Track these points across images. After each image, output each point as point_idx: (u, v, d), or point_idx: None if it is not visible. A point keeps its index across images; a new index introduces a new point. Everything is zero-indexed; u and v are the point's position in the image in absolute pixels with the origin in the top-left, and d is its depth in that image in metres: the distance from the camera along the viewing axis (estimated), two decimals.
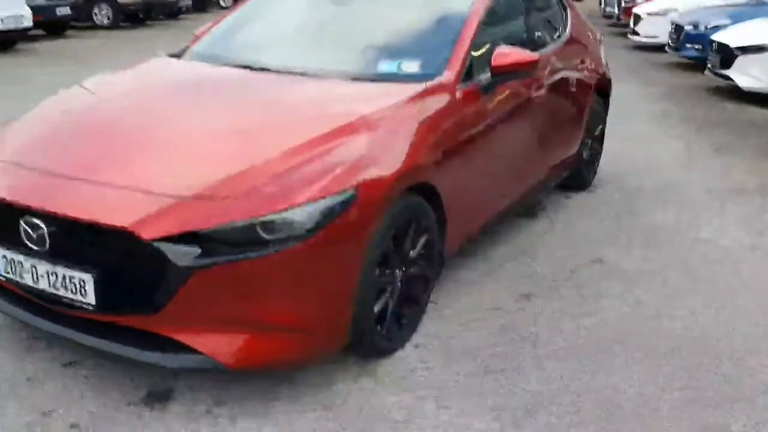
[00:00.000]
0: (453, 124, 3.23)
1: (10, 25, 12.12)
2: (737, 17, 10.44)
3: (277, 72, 3.44)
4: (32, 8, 13.07)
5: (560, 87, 4.41)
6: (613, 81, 5.56)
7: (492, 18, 3.83)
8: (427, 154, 3.01)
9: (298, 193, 2.48)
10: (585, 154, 5.17)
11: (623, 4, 16.67)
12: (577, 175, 5.14)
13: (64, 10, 14.51)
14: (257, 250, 2.41)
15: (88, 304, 2.50)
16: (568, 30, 4.77)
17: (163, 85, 3.50)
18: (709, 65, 9.62)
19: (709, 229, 4.61)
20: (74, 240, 2.49)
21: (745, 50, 8.86)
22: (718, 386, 2.87)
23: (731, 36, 9.27)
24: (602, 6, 21.17)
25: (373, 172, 2.69)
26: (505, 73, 3.50)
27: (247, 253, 2.40)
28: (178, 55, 3.86)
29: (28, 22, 12.53)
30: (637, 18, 14.17)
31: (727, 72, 9.07)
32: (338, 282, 2.61)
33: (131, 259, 2.42)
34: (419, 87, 3.18)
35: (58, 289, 2.54)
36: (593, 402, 2.74)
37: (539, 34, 4.28)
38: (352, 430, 2.56)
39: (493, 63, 3.45)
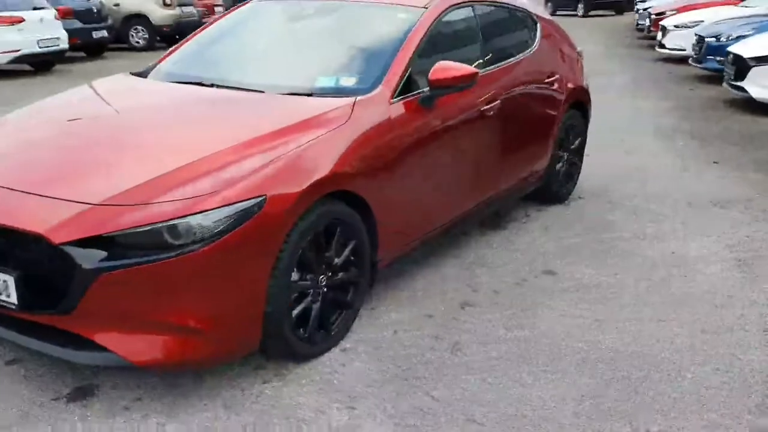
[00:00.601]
0: (383, 136, 3.34)
1: (47, 48, 12.66)
2: (763, 29, 10.25)
3: (223, 87, 3.60)
4: (70, 31, 13.64)
5: (520, 101, 4.47)
6: (629, 93, 5.56)
7: (439, 35, 3.94)
8: (351, 163, 3.13)
9: (203, 199, 2.62)
10: (558, 168, 5.20)
11: (653, 17, 16.51)
12: (549, 189, 5.17)
13: (100, 33, 15.07)
14: (162, 254, 2.55)
15: (12, 303, 2.68)
16: (535, 44, 4.83)
17: (112, 100, 3.70)
18: (725, 77, 9.51)
19: (679, 241, 4.60)
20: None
21: (760, 61, 8.74)
22: (632, 397, 2.89)
23: (746, 47, 9.16)
24: (636, 19, 21.01)
25: (284, 180, 2.82)
26: (443, 87, 3.59)
27: (151, 256, 2.55)
28: (142, 74, 4.06)
29: (64, 44, 13.08)
30: (665, 30, 14.05)
31: (741, 83, 8.95)
32: (245, 286, 2.74)
33: (45, 261, 2.60)
34: (349, 101, 3.30)
35: None
36: (499, 413, 2.78)
37: (497, 48, 4.36)
38: (253, 429, 2.67)
39: (431, 77, 3.55)
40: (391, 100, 3.45)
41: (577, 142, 5.43)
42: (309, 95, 3.43)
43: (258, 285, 2.76)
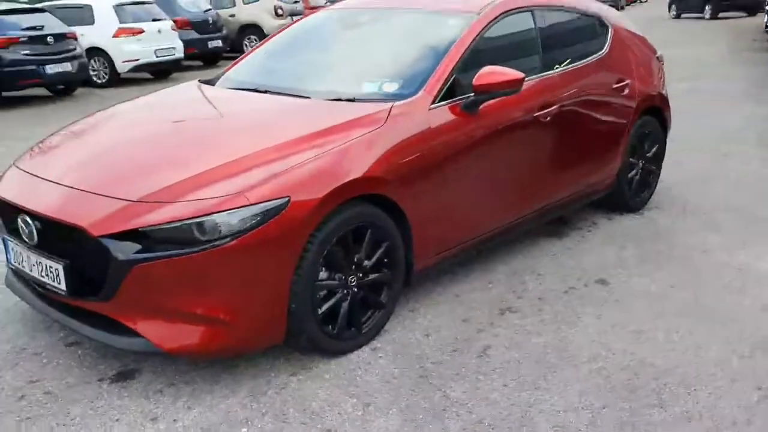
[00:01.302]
0: (420, 142, 3.40)
1: (163, 57, 13.48)
2: None
3: (274, 93, 3.78)
4: (187, 41, 14.48)
5: (582, 107, 4.40)
6: (744, 99, 5.35)
7: (492, 41, 3.96)
8: (384, 167, 3.22)
9: (230, 198, 2.79)
10: (631, 176, 5.07)
11: None
12: (620, 197, 5.05)
13: (215, 43, 15.88)
14: (190, 248, 2.74)
15: (62, 289, 2.95)
16: (604, 50, 4.74)
17: (172, 107, 3.96)
18: None
19: (749, 257, 4.38)
20: (51, 235, 2.97)
21: None
22: (652, 412, 2.83)
23: None
24: (765, 20, 19.88)
25: (309, 183, 2.95)
26: (487, 92, 3.62)
27: (180, 250, 2.74)
28: (211, 81, 4.31)
29: (179, 53, 13.88)
30: None
31: None
32: (268, 282, 2.88)
33: (87, 252, 2.84)
34: (386, 106, 3.39)
35: (43, 277, 3.02)
36: (510, 416, 2.80)
37: (557, 54, 4.31)
38: (270, 416, 2.81)
39: (474, 82, 3.59)
40: (431, 106, 3.50)
41: (653, 150, 5.26)
42: (352, 101, 3.54)
43: (281, 282, 2.90)
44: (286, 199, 2.86)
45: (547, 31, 4.31)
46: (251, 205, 2.80)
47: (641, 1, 48.44)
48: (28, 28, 11.17)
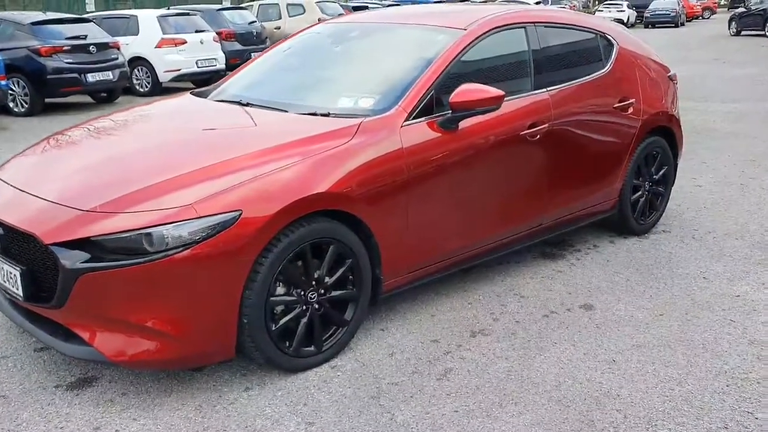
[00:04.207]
0: (390, 158, 3.35)
1: (205, 67, 13.73)
2: None
3: (256, 106, 3.79)
4: (230, 52, 14.73)
5: (577, 125, 4.29)
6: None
7: (479, 57, 3.90)
8: (348, 184, 3.18)
9: (179, 211, 2.79)
10: (636, 198, 4.92)
11: None
12: (623, 220, 4.90)
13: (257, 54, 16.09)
14: (137, 260, 2.75)
15: (19, 295, 2.99)
16: (607, 67, 4.62)
17: (153, 119, 3.99)
18: None
19: (750, 286, 4.19)
20: (12, 242, 3.02)
21: None
22: None
23: None
24: None
25: (262, 197, 2.93)
26: (464, 109, 3.55)
27: (127, 261, 2.75)
28: (203, 93, 4.35)
29: (220, 64, 14.12)
30: None
31: None
32: (218, 295, 2.87)
33: (40, 259, 2.88)
34: (355, 122, 3.36)
35: (5, 282, 3.07)
36: None
37: (550, 72, 4.21)
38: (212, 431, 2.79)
39: (451, 99, 3.53)
40: (405, 123, 3.46)
41: (661, 171, 5.09)
42: (326, 115, 3.51)
43: (231, 296, 2.89)
44: (237, 213, 2.85)
45: (541, 48, 4.21)
46: (200, 218, 2.79)
47: (703, 17, 47.38)
48: (71, 38, 11.52)
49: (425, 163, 3.49)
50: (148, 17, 13.74)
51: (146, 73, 13.58)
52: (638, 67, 4.86)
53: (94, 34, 11.97)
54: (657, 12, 38.36)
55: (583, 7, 61.87)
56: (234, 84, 4.34)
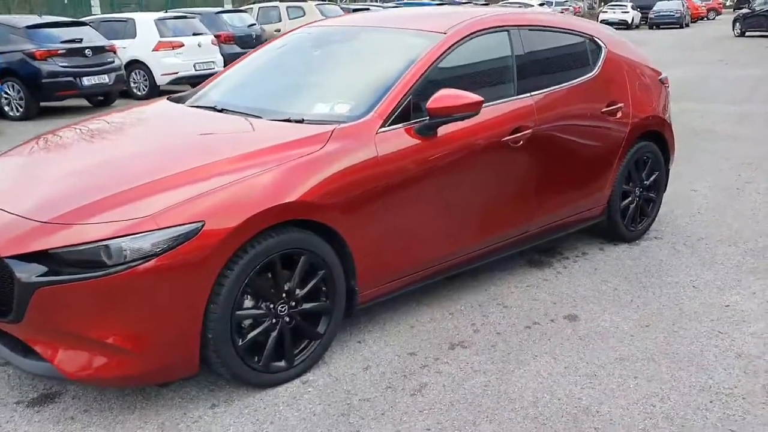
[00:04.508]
0: (364, 166, 3.26)
1: (202, 70, 13.65)
2: None
3: (231, 112, 3.70)
4: (229, 55, 14.61)
5: (562, 131, 4.18)
6: None
7: (459, 61, 3.81)
8: (319, 193, 3.08)
9: (139, 222, 2.70)
10: (625, 204, 4.81)
11: None
12: (612, 227, 4.79)
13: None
14: (94, 273, 2.65)
15: None
16: (594, 71, 4.51)
17: (122, 125, 3.90)
18: None
19: (742, 296, 4.08)
20: None
21: None
22: None
23: None
24: None
25: (227, 207, 2.83)
26: (442, 115, 3.45)
27: (84, 274, 2.66)
28: (181, 99, 4.25)
29: (219, 67, 14.02)
30: None
31: None
32: (178, 310, 2.77)
33: None
34: (328, 128, 3.27)
35: None
36: None
37: (534, 76, 4.10)
38: None
39: (428, 105, 3.43)
40: (381, 129, 3.36)
41: (652, 177, 4.98)
42: (300, 122, 3.42)
43: (193, 310, 2.79)
44: (200, 224, 2.75)
45: (525, 52, 4.11)
46: (160, 229, 2.70)
47: (708, 18, 47.14)
48: (67, 41, 11.46)
49: (402, 170, 3.40)
50: (145, 20, 13.69)
51: (143, 76, 13.52)
52: (627, 71, 4.75)
53: (90, 37, 11.92)
54: (662, 13, 38.18)
55: (589, 9, 61.87)
56: (212, 89, 4.26)
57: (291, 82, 4.03)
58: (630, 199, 4.87)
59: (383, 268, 3.44)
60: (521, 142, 3.91)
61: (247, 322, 3.01)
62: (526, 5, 39.05)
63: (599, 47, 4.64)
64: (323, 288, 3.22)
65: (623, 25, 38.55)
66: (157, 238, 2.69)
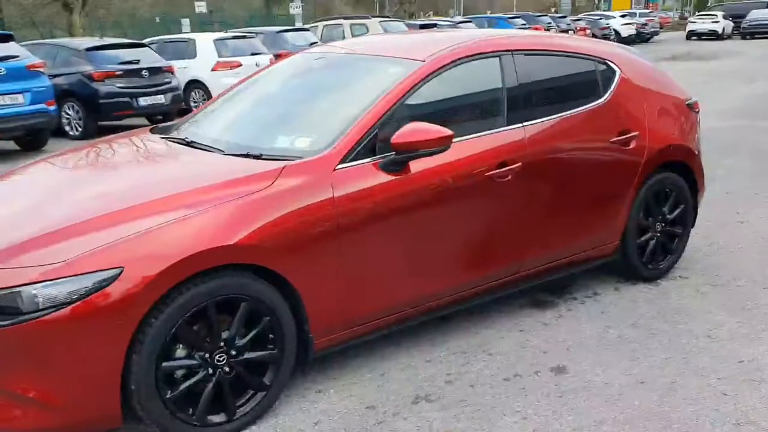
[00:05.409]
0: (319, 204, 3.05)
1: None
2: None
3: (198, 145, 3.56)
4: None
5: (560, 162, 3.86)
6: None
7: (440, 91, 3.57)
8: (262, 233, 2.89)
9: (54, 267, 2.57)
10: (644, 240, 4.42)
11: None
12: (628, 265, 4.41)
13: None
14: (7, 321, 2.54)
15: None
16: (605, 97, 4.15)
17: (99, 157, 3.79)
18: None
19: (761, 347, 3.65)
20: None
21: None
22: None
23: None
24: None
25: (152, 250, 2.68)
26: (408, 151, 3.22)
27: None
28: (165, 129, 4.15)
29: None
30: None
31: None
32: (98, 360, 2.62)
33: None
34: (278, 165, 3.08)
35: None
36: None
37: (529, 104, 3.79)
38: None
39: (393, 140, 3.20)
40: (340, 165, 3.15)
41: (677, 211, 4.56)
42: (258, 156, 3.24)
43: (113, 361, 2.64)
44: (118, 270, 2.60)
45: (519, 79, 3.80)
46: (75, 275, 2.56)
47: None
48: (124, 62, 11.74)
49: (364, 209, 3.17)
50: (204, 41, 13.92)
51: (203, 96, 13.72)
52: (645, 97, 4.36)
53: (148, 58, 12.18)
54: (756, 22, 36.34)
55: (680, 18, 59.67)
56: (193, 119, 4.14)
57: (263, 113, 3.86)
58: (649, 234, 4.46)
59: (342, 315, 3.22)
60: (509, 177, 3.62)
61: (180, 373, 2.84)
62: (608, 17, 38.16)
63: (612, 71, 4.27)
64: (270, 336, 3.02)
65: (713, 36, 36.96)
66: (72, 285, 2.55)
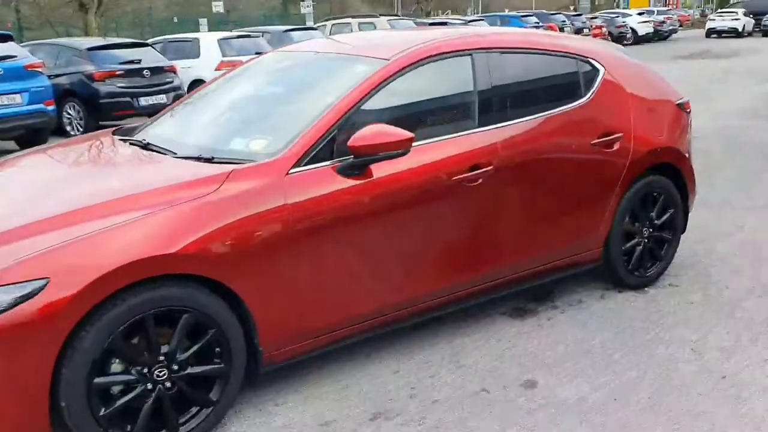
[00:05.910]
0: (270, 210, 2.90)
1: None
2: None
3: (154, 147, 3.42)
4: None
5: (537, 165, 3.68)
6: None
7: (404, 90, 3.39)
8: (204, 242, 2.74)
9: None
10: (629, 247, 4.23)
11: None
12: (611, 272, 4.22)
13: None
14: None
15: None
16: (586, 97, 3.96)
17: (54, 159, 3.65)
18: None
19: (751, 359, 3.46)
20: None
21: None
22: None
23: None
24: None
25: (81, 261, 2.53)
26: (366, 154, 3.06)
27: None
28: (129, 131, 4.00)
29: None
30: None
31: None
32: (22, 377, 2.48)
33: None
34: (224, 169, 2.93)
35: None
36: None
37: (502, 105, 3.61)
38: None
39: (350, 143, 3.04)
40: (293, 169, 2.99)
41: (666, 215, 4.35)
42: (209, 159, 3.09)
43: (39, 376, 2.50)
44: (43, 281, 2.46)
45: (493, 79, 3.62)
46: None
47: None
48: (126, 62, 11.67)
49: (318, 215, 3.01)
50: (208, 40, 13.83)
51: None
52: (631, 96, 4.16)
53: (150, 58, 12.09)
54: None
55: (701, 15, 58.86)
56: (157, 120, 4.00)
57: (224, 114, 3.71)
58: (636, 240, 4.26)
59: (298, 326, 3.06)
60: (480, 181, 3.44)
61: (117, 389, 2.69)
62: (625, 15, 37.66)
63: (595, 70, 4.08)
64: (217, 349, 2.87)
65: (732, 34, 36.36)
66: None
